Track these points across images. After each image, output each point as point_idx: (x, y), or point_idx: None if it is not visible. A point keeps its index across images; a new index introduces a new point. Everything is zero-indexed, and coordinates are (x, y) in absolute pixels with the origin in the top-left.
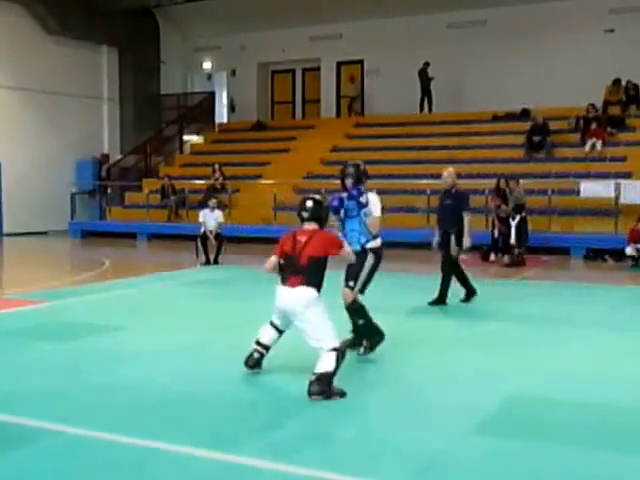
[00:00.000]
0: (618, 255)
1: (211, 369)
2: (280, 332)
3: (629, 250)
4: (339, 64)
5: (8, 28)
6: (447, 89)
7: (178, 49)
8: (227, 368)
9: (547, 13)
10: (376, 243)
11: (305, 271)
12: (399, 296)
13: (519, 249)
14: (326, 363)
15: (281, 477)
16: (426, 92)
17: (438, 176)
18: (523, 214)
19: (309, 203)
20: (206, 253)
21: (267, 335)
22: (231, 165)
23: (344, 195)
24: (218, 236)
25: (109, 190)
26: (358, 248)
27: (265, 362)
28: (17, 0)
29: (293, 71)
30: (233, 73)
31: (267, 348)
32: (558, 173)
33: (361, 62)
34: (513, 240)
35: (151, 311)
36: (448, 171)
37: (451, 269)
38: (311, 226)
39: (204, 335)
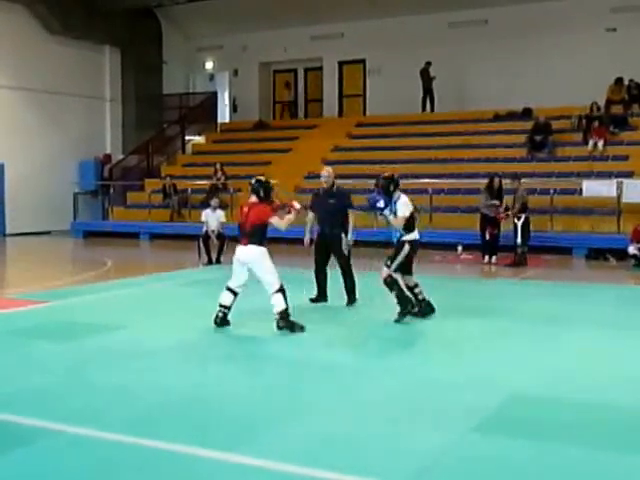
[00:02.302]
0: (620, 254)
1: (213, 368)
2: (235, 294)
3: (631, 249)
4: (341, 64)
5: (10, 28)
6: (449, 89)
7: (180, 49)
8: (229, 367)
9: (548, 12)
10: (411, 237)
11: (250, 234)
12: None
13: (522, 248)
14: (277, 303)
15: (282, 477)
16: (428, 92)
17: (440, 176)
18: (527, 213)
19: (253, 181)
20: (208, 253)
21: (226, 298)
22: (233, 165)
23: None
24: (220, 236)
25: (111, 190)
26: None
27: (267, 363)
28: (19, 0)
29: (295, 71)
30: (235, 73)
31: (228, 308)
32: (560, 172)
33: (363, 61)
34: (519, 240)
35: (153, 311)
36: (328, 171)
37: (347, 264)
38: (252, 199)
39: (206, 335)
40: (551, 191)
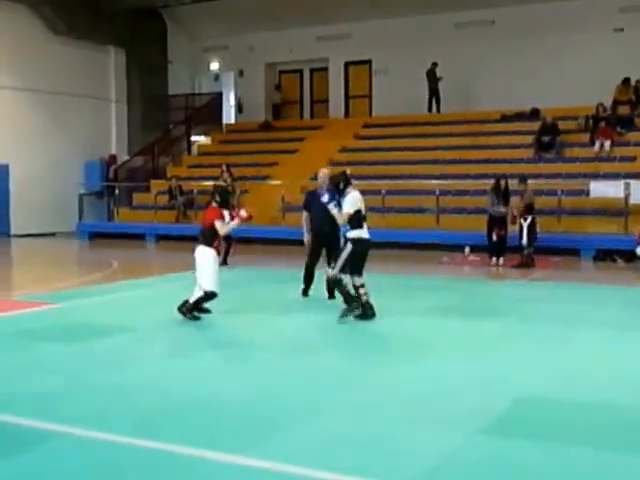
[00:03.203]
0: (628, 256)
1: (217, 370)
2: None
3: (639, 250)
4: (347, 64)
5: (14, 29)
6: (455, 89)
7: (185, 49)
8: (233, 369)
9: (555, 12)
10: (354, 234)
11: (201, 235)
12: (407, 297)
13: (528, 250)
14: (195, 296)
15: (287, 478)
16: (434, 92)
17: (447, 176)
18: (533, 215)
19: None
20: None
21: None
22: (239, 166)
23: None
24: (227, 238)
25: (117, 191)
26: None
27: (271, 365)
28: (23, 1)
29: (301, 71)
30: (241, 73)
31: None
32: (567, 173)
33: (369, 62)
34: (524, 241)
35: (160, 312)
36: (324, 172)
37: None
38: (213, 204)
39: (210, 336)
40: (558, 192)
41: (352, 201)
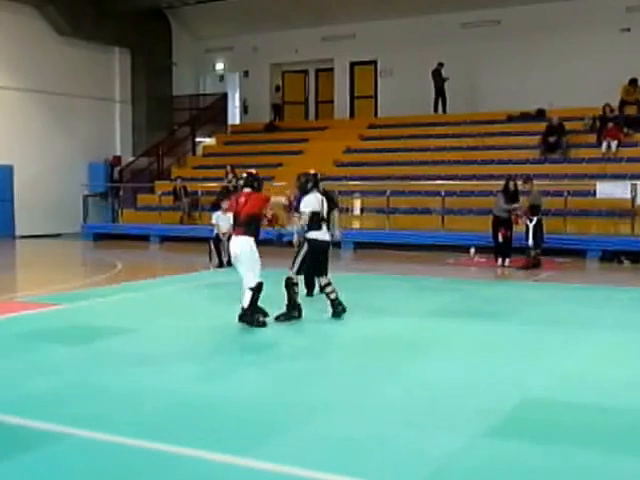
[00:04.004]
0: (635, 257)
1: (221, 372)
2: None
3: None
4: (352, 65)
5: (20, 30)
6: (461, 89)
7: (190, 50)
8: (237, 370)
9: (562, 12)
10: (311, 235)
11: (245, 223)
12: (412, 298)
13: (535, 251)
14: (246, 299)
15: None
16: (440, 92)
17: (453, 177)
18: (540, 216)
19: (244, 174)
20: (219, 255)
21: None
22: (244, 167)
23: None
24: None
25: (121, 192)
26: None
27: (276, 366)
28: (29, 2)
29: (306, 72)
30: (246, 74)
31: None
32: (574, 174)
33: (374, 62)
34: (530, 242)
35: (164, 314)
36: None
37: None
38: (247, 190)
39: (215, 338)
40: (565, 193)
41: (308, 201)
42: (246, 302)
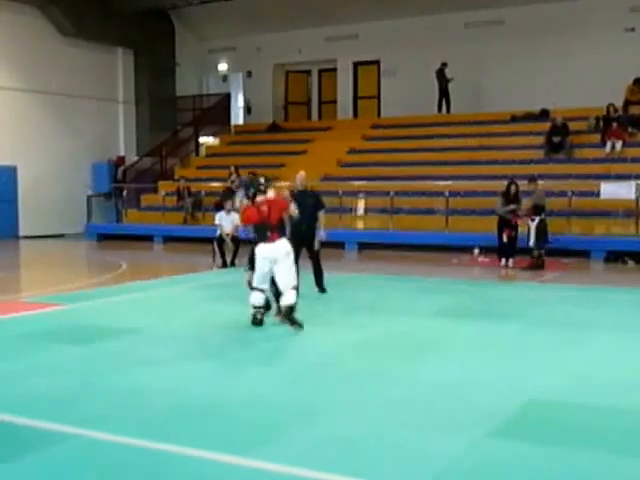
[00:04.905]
0: (639, 257)
1: (226, 372)
2: (263, 292)
3: None
4: (355, 65)
5: (23, 30)
6: (465, 90)
7: (193, 50)
8: (242, 371)
9: (566, 12)
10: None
11: (279, 228)
12: (415, 299)
13: (538, 251)
14: (289, 298)
15: None
16: (444, 93)
17: (457, 178)
18: (543, 216)
19: (262, 179)
20: (223, 256)
21: (258, 298)
22: (247, 167)
23: None
24: (235, 239)
25: (125, 192)
26: None
27: (280, 366)
28: (32, 2)
29: (309, 72)
30: (249, 74)
31: (263, 307)
32: (578, 174)
33: (377, 62)
34: (531, 242)
35: (167, 314)
36: (302, 175)
37: (318, 259)
38: (270, 195)
39: (219, 338)
40: (569, 193)
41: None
42: (292, 299)
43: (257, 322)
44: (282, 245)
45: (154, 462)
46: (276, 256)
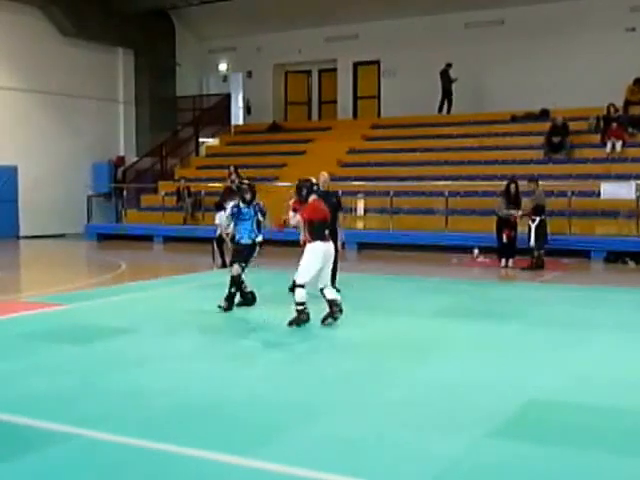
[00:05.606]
0: (639, 258)
1: (226, 372)
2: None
3: None
4: (355, 65)
5: (24, 30)
6: (465, 90)
7: (193, 51)
8: (242, 371)
9: (566, 12)
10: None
11: (331, 229)
12: (415, 299)
13: (538, 251)
14: (332, 293)
15: None
16: (447, 93)
17: (457, 178)
18: (543, 216)
19: (311, 182)
20: (222, 256)
21: (303, 295)
22: (247, 167)
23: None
24: (234, 239)
25: (125, 193)
26: (249, 242)
27: (281, 366)
28: (33, 2)
29: (309, 72)
30: (249, 74)
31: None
32: (578, 174)
33: (377, 63)
34: (532, 242)
35: (167, 314)
36: (325, 176)
37: (336, 259)
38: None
39: (219, 338)
40: (569, 193)
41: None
42: (337, 295)
43: (304, 320)
44: (333, 246)
45: (154, 462)
46: (329, 256)
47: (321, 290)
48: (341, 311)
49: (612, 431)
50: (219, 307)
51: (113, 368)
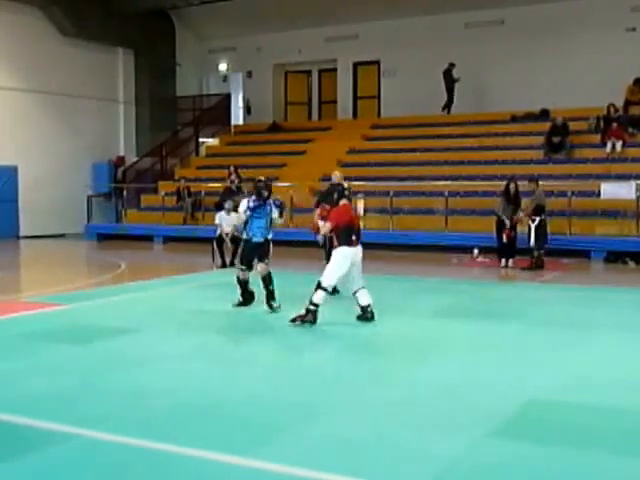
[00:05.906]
0: (639, 258)
1: (226, 372)
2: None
3: None
4: (355, 65)
5: (24, 30)
6: (465, 90)
7: (193, 51)
8: (243, 370)
9: (566, 12)
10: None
11: (358, 233)
12: (415, 299)
13: (538, 251)
14: (365, 297)
15: None
16: (449, 93)
17: (456, 178)
18: (543, 216)
19: (345, 186)
20: (222, 256)
21: (323, 298)
22: (247, 167)
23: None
24: (234, 239)
25: (125, 193)
26: (262, 239)
27: (281, 366)
28: (33, 2)
29: (309, 72)
30: (249, 74)
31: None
32: (578, 174)
33: (377, 63)
34: (532, 242)
35: (167, 314)
36: (338, 176)
37: None
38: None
39: (219, 338)
40: (569, 193)
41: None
42: (370, 299)
43: (309, 320)
44: (360, 250)
45: (154, 462)
46: (357, 260)
47: (354, 294)
48: (373, 317)
49: (612, 431)
50: (235, 305)
51: (113, 368)
